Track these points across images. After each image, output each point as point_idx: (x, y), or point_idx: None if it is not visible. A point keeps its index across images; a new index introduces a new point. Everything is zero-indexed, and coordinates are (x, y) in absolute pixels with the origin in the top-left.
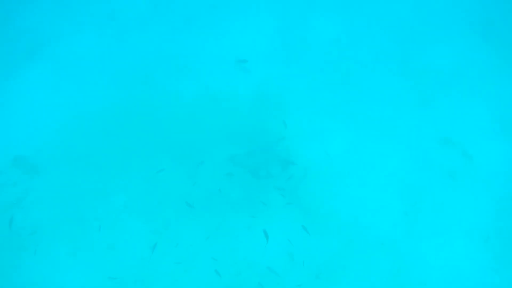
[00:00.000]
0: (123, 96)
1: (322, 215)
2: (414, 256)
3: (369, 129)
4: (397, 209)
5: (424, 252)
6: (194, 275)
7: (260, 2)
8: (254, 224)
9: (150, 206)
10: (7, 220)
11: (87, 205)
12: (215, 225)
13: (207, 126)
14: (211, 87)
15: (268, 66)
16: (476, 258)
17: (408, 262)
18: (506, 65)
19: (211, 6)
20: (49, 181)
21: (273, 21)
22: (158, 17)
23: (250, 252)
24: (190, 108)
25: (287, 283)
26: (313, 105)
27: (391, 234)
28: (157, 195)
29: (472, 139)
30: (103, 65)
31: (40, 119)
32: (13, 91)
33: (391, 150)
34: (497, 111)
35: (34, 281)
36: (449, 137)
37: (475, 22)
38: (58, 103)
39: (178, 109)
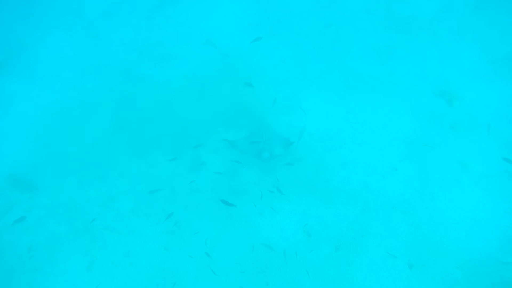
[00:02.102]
0: (108, 95)
1: (332, 188)
2: (429, 212)
3: (363, 91)
4: (405, 167)
5: (438, 206)
6: (214, 268)
7: None
8: (266, 208)
9: (157, 205)
10: (25, 245)
11: (95, 214)
12: (228, 214)
13: (200, 113)
14: (196, 73)
15: (246, 41)
16: (490, 201)
17: (424, 219)
18: (489, 2)
19: None
20: (50, 196)
21: None
22: (126, 8)
23: (266, 236)
24: (177, 97)
25: (307, 261)
26: (301, 74)
27: (403, 194)
28: (162, 192)
29: (467, 86)
30: (81, 66)
31: (27, 132)
32: None
33: (389, 110)
34: (489, 53)
35: None
36: (445, 87)
37: None
38: (42, 112)
39: (167, 100)
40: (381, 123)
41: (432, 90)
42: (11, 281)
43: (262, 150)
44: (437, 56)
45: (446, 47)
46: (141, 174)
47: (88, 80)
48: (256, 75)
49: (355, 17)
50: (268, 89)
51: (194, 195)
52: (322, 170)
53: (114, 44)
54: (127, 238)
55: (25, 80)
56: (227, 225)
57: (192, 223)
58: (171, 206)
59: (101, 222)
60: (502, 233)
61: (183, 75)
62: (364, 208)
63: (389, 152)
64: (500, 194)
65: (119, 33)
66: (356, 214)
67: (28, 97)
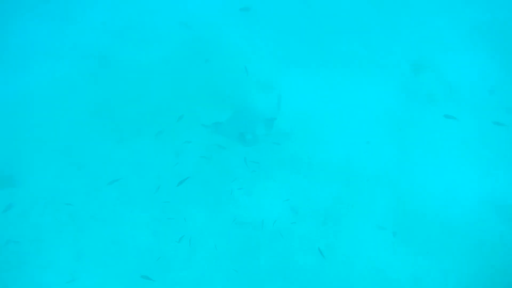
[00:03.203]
0: (84, 80)
1: (315, 164)
2: (410, 181)
3: (341, 68)
4: (386, 141)
5: (418, 175)
6: (202, 253)
7: None
8: (252, 188)
9: (143, 191)
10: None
11: (79, 204)
12: (215, 197)
13: (179, 97)
14: (174, 55)
15: (222, 21)
16: (466, 166)
17: (405, 188)
18: None
19: None
20: (31, 189)
21: None
22: None
23: (254, 216)
24: (156, 81)
25: (296, 237)
26: (279, 53)
27: (384, 166)
28: (147, 179)
29: (445, 58)
30: (53, 52)
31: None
32: None
33: (368, 85)
34: (464, 23)
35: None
36: (422, 60)
37: None
38: (13, 102)
39: (145, 84)
40: (359, 98)
41: (408, 63)
42: None
43: (245, 133)
44: (412, 29)
45: (421, 20)
46: (124, 160)
47: (61, 65)
48: (234, 56)
49: None
50: (245, 69)
51: (179, 179)
52: (305, 148)
53: (87, 28)
54: (114, 226)
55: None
56: (214, 208)
57: (179, 208)
58: (157, 193)
59: (86, 211)
60: (478, 196)
61: (160, 58)
62: (347, 182)
63: (368, 126)
64: (475, 159)
65: (92, 16)
66: (340, 188)
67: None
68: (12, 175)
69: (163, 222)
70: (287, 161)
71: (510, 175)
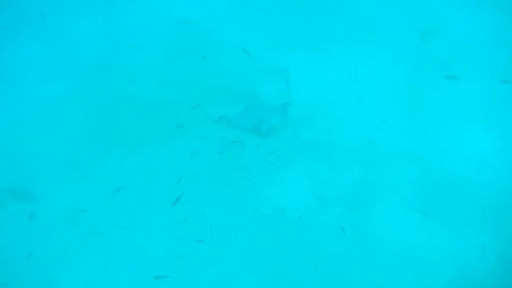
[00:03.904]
0: (87, 91)
1: (335, 149)
2: (435, 156)
3: (347, 44)
4: (403, 115)
5: (443, 148)
6: (227, 248)
7: None
8: (273, 179)
9: (163, 194)
10: (23, 254)
11: (100, 213)
12: (235, 192)
13: (187, 96)
14: (178, 54)
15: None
16: (492, 132)
17: (432, 164)
18: None
19: None
20: (50, 203)
21: None
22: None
23: (278, 207)
24: (162, 83)
25: (323, 224)
26: (282, 37)
27: (407, 143)
28: (164, 181)
29: (451, 22)
30: (54, 67)
31: (13, 142)
32: None
33: (378, 59)
34: None
35: None
36: (430, 26)
37: None
38: (22, 120)
39: (151, 88)
40: (371, 74)
41: (416, 30)
42: None
43: (260, 124)
44: None
45: None
46: (139, 166)
47: (62, 79)
48: (233, 46)
49: None
50: (246, 52)
51: (198, 178)
52: (322, 133)
53: (84, 39)
54: (138, 232)
55: None
56: (235, 203)
57: (200, 207)
58: (177, 193)
59: (109, 220)
60: (508, 158)
61: (163, 59)
62: (370, 163)
63: (384, 103)
64: (497, 121)
65: (87, 27)
66: (364, 171)
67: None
68: (31, 190)
69: (185, 223)
70: (305, 148)
71: None
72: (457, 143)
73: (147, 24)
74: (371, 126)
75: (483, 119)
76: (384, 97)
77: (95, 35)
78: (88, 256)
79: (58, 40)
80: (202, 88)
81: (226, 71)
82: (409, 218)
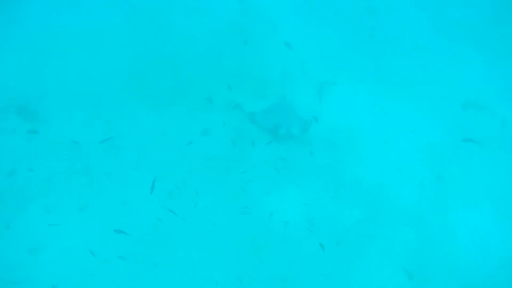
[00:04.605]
0: (129, 36)
1: (344, 181)
2: (441, 226)
3: (394, 89)
4: (423, 177)
5: (451, 222)
6: (202, 229)
7: None
8: (272, 187)
9: (163, 163)
10: (7, 171)
11: (96, 158)
12: (230, 185)
13: (221, 74)
14: (224, 30)
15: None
16: (506, 228)
17: (434, 232)
18: None
19: None
20: (52, 130)
21: None
22: None
23: (267, 216)
24: (201, 55)
25: (306, 247)
26: (332, 57)
27: (418, 202)
28: (170, 152)
29: (500, 102)
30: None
31: (38, 56)
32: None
33: (418, 114)
34: None
35: (41, 233)
36: (476, 100)
37: None
38: (57, 36)
39: (190, 55)
40: (407, 126)
41: (464, 101)
42: None
43: (279, 126)
44: (478, 68)
45: (487, 57)
46: (150, 127)
47: (109, 12)
48: (282, 40)
49: (402, 8)
50: (294, 61)
51: (200, 159)
52: (337, 161)
53: None
54: (127, 188)
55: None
56: (228, 196)
57: (193, 188)
58: (176, 167)
59: (102, 167)
60: None
61: (209, 31)
62: (373, 208)
63: (410, 156)
64: None
65: None
66: (364, 213)
67: (44, 17)
68: (37, 111)
69: (173, 194)
70: (315, 170)
71: None
72: (467, 223)
73: None
74: (386, 173)
75: (502, 212)
76: (412, 151)
77: None
78: (69, 192)
79: None
80: (235, 72)
81: (263, 64)
82: (392, 275)
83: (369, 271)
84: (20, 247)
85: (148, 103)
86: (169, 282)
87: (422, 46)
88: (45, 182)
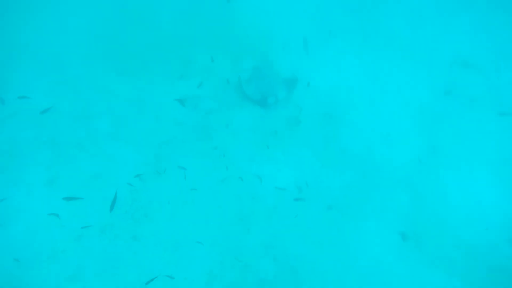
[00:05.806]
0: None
1: (332, 147)
2: (432, 187)
3: (382, 49)
4: (414, 138)
5: (443, 183)
6: (193, 206)
7: None
8: (257, 155)
9: (139, 133)
10: None
11: (66, 128)
12: (213, 155)
13: (204, 40)
14: None
15: None
16: (500, 189)
17: (426, 193)
18: None
19: None
20: (15, 98)
21: None
22: None
23: (255, 186)
24: (181, 19)
25: (294, 215)
26: (315, 15)
27: (408, 165)
28: (144, 118)
29: (494, 62)
30: None
31: None
32: None
33: (406, 74)
34: None
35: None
36: (470, 60)
37: None
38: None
39: (165, 14)
40: (395, 86)
41: (456, 61)
42: None
43: (268, 94)
44: (467, 26)
45: (478, 16)
46: (125, 95)
47: None
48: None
49: None
50: (275, 24)
51: (179, 128)
52: (324, 126)
53: None
54: (99, 160)
55: None
56: (211, 166)
57: (172, 159)
58: (154, 137)
59: (71, 138)
60: (505, 220)
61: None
62: (364, 173)
63: (400, 119)
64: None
65: None
66: (355, 178)
67: None
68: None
69: (151, 168)
70: (302, 136)
71: None
72: (462, 184)
73: None
74: (377, 137)
75: (494, 171)
76: (402, 113)
77: None
78: (35, 164)
79: None
80: (215, 34)
81: (245, 22)
82: (386, 237)
83: (362, 234)
84: None
85: (121, 68)
86: (151, 256)
87: (409, 4)
88: (7, 154)
